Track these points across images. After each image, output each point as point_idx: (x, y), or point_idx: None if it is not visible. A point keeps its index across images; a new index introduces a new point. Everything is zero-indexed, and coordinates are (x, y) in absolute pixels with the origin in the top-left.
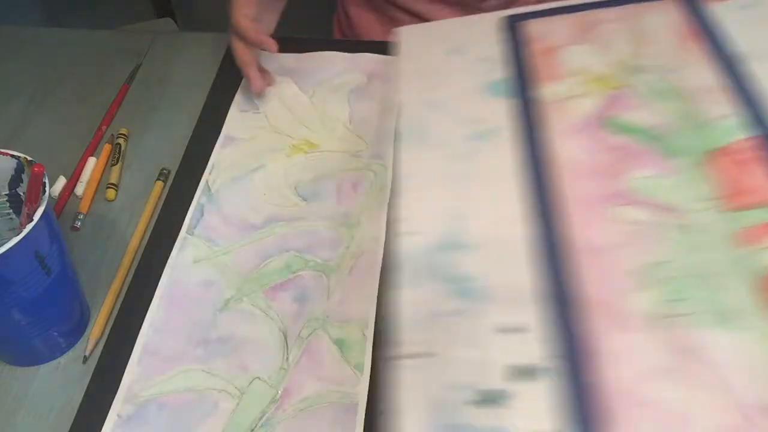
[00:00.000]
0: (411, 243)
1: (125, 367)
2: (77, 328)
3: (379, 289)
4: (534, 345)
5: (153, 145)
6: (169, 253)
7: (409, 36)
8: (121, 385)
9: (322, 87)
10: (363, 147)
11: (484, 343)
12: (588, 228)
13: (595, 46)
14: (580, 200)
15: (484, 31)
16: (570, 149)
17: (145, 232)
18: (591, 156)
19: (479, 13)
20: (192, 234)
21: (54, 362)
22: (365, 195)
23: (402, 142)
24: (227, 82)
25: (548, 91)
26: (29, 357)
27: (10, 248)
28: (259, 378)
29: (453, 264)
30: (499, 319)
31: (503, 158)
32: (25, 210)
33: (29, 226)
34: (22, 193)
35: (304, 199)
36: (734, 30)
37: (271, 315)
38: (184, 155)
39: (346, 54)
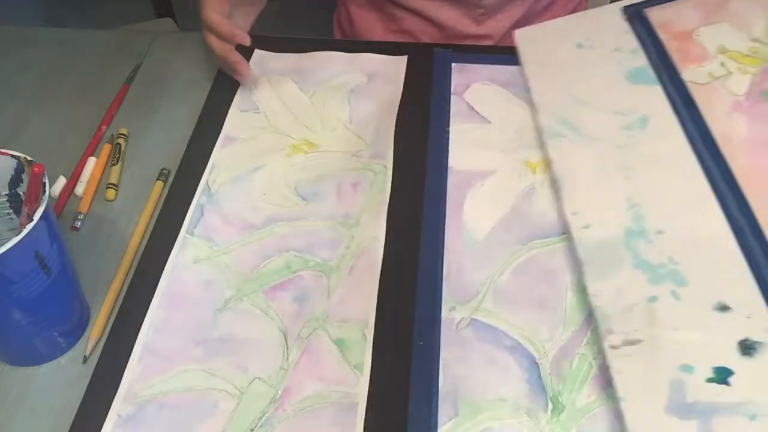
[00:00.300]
0: (590, 236)
1: (125, 367)
2: (77, 328)
3: (379, 289)
4: (758, 320)
5: (153, 145)
6: (169, 253)
7: (529, 37)
8: (121, 385)
9: (322, 87)
10: (363, 147)
11: (704, 323)
12: None
13: (730, 25)
14: (765, 174)
15: (609, 22)
16: (737, 126)
17: (145, 232)
18: (763, 129)
19: (478, 10)
20: (192, 234)
21: (54, 362)
22: (365, 195)
23: (553, 139)
24: (227, 82)
25: (695, 73)
26: (29, 357)
27: (10, 248)
28: (259, 378)
29: (644, 251)
30: (712, 298)
31: (668, 143)
32: (25, 210)
33: (29, 226)
34: (22, 193)
35: (304, 199)
36: None
37: (271, 315)
38: (184, 155)
39: (346, 54)
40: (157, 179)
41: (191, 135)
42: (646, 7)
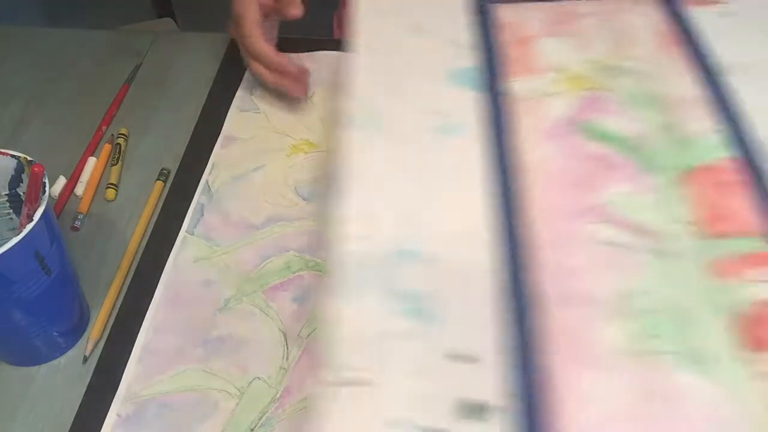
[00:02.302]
0: (357, 249)
1: (125, 367)
2: (77, 328)
3: None
4: (488, 378)
5: (153, 145)
6: (169, 253)
7: (368, 7)
8: (120, 384)
9: (322, 87)
10: None
11: (432, 373)
12: (559, 246)
13: (573, 40)
14: (552, 213)
15: (452, 11)
16: (543, 154)
17: (145, 232)
18: (565, 163)
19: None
20: (192, 234)
21: (54, 362)
22: None
23: (352, 129)
24: (227, 82)
25: (520, 86)
26: (29, 357)
27: (10, 248)
28: (259, 378)
29: (405, 277)
30: (451, 345)
31: (468, 159)
32: (25, 210)
33: (29, 226)
34: (22, 193)
35: (304, 199)
36: (715, 39)
37: (271, 315)
38: (184, 155)
39: (345, 54)
40: (157, 179)
41: (191, 135)
42: (494, 1)
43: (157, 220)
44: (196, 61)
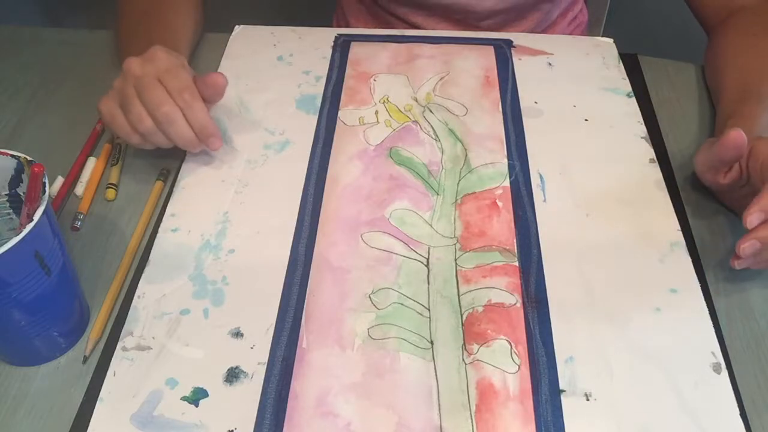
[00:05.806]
0: (172, 239)
1: None
2: (77, 328)
3: None
4: (256, 351)
5: None
6: None
7: (243, 35)
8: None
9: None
10: None
11: (214, 344)
12: (339, 249)
13: (407, 78)
14: (342, 222)
15: (317, 44)
16: (350, 172)
17: (145, 232)
18: (370, 182)
19: (475, 30)
20: None
21: (54, 362)
22: None
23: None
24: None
25: (350, 114)
26: (29, 357)
27: (10, 248)
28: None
29: (208, 265)
30: (233, 323)
31: (289, 171)
32: (25, 210)
33: (29, 226)
34: (22, 193)
35: None
36: (528, 84)
37: None
38: (183, 155)
39: None
40: (157, 179)
41: None
42: (354, 40)
43: (157, 220)
44: (195, 60)
